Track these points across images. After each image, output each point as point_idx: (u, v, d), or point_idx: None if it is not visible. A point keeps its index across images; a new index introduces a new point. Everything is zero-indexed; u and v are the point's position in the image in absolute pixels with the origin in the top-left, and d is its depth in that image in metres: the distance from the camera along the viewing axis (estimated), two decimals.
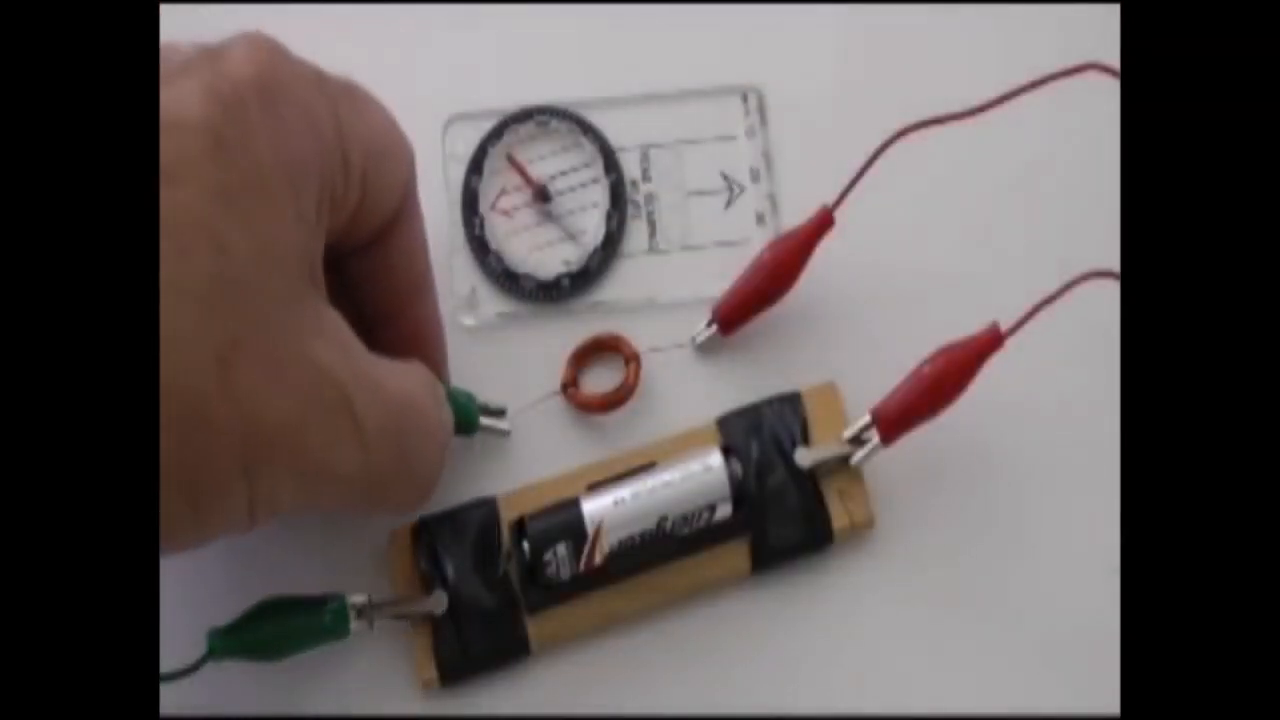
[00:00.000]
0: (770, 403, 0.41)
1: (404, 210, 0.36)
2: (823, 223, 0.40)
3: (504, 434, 0.40)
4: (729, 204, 0.43)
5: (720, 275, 0.41)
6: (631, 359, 0.41)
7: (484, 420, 0.39)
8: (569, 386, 0.41)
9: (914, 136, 0.38)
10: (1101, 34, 0.39)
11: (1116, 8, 0.41)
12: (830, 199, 0.40)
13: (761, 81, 0.44)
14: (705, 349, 0.42)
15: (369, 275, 0.36)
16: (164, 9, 0.32)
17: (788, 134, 0.43)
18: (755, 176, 0.43)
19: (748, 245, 0.42)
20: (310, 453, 0.30)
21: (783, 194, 0.43)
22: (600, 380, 0.41)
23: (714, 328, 0.41)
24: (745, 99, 0.44)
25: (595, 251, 0.42)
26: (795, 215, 0.41)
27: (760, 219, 0.43)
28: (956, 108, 0.39)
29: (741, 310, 0.41)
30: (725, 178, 0.43)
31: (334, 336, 0.31)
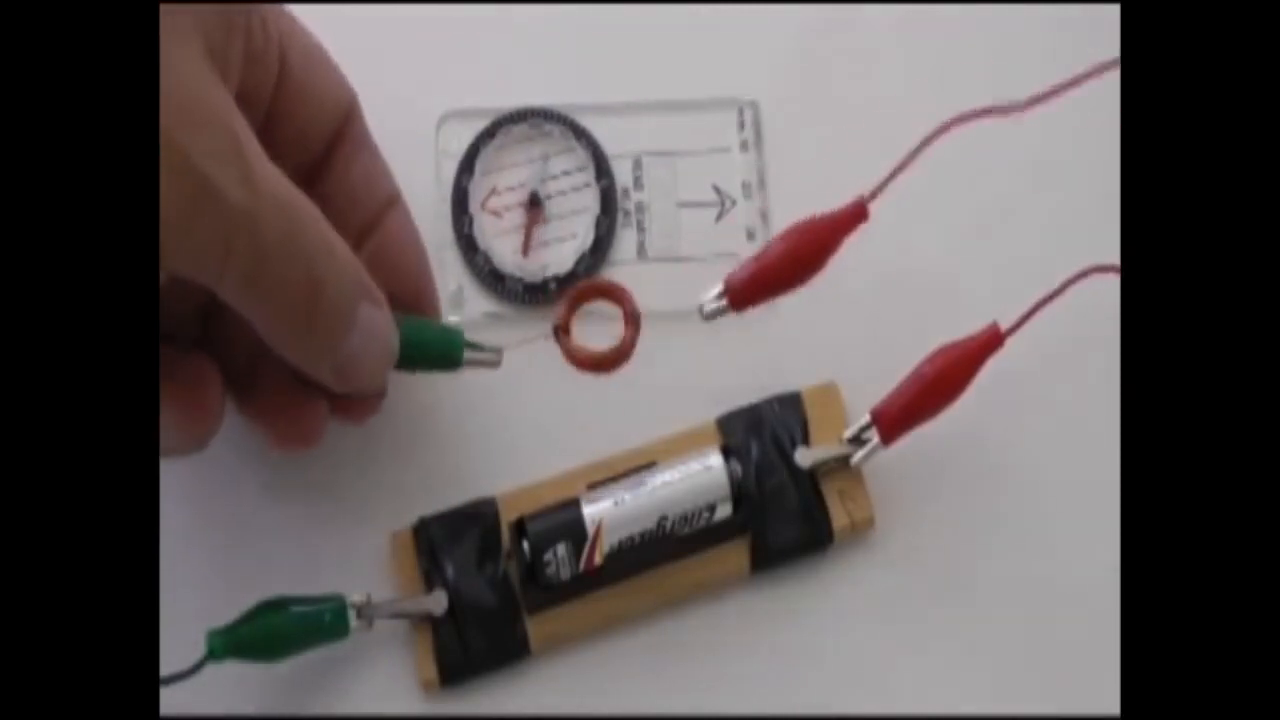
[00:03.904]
0: (770, 403, 0.41)
1: (350, 137, 0.38)
2: (856, 214, 0.38)
3: (492, 365, 0.37)
4: (720, 217, 0.43)
5: (707, 288, 0.40)
6: (631, 319, 0.38)
7: (469, 353, 0.37)
8: (562, 330, 0.38)
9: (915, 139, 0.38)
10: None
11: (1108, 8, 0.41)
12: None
13: (757, 96, 0.43)
14: (705, 346, 0.42)
15: (336, 192, 0.37)
16: None
17: (782, 149, 0.43)
18: (747, 191, 0.43)
19: (736, 260, 0.41)
20: (190, 154, 0.30)
21: (775, 209, 0.43)
22: (596, 341, 0.38)
23: (724, 300, 0.38)
24: (741, 112, 0.43)
25: (583, 256, 0.42)
26: None
27: (750, 234, 0.43)
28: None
29: (757, 287, 0.38)
30: (717, 190, 0.43)
31: (232, 105, 0.32)
